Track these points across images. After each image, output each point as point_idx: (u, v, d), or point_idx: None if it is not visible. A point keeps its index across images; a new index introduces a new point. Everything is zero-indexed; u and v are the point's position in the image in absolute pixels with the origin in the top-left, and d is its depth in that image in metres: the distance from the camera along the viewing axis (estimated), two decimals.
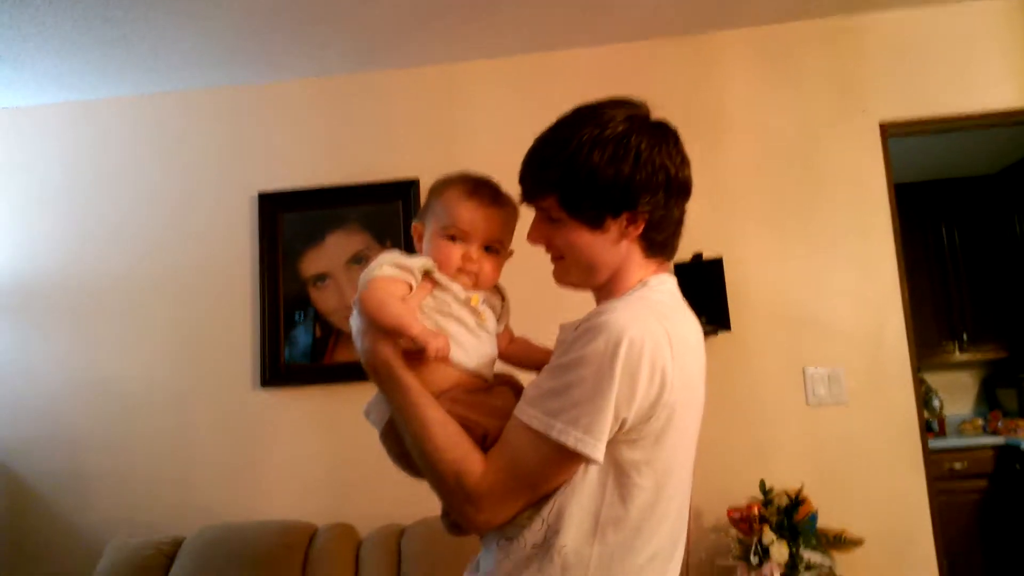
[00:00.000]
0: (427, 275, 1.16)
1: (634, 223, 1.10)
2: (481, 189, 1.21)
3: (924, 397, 5.01)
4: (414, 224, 1.27)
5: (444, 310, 1.15)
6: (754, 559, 2.23)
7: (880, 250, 2.68)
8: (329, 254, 2.93)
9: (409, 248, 2.93)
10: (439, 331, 1.12)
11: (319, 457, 2.83)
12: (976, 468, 4.55)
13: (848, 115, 2.75)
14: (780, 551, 2.20)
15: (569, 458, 1.01)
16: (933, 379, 5.07)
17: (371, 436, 2.83)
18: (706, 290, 2.55)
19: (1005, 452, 4.52)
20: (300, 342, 2.90)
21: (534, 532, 1.05)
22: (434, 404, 1.09)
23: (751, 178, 2.75)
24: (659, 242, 1.14)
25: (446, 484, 1.06)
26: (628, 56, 2.87)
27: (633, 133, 1.08)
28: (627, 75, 2.84)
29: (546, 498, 1.05)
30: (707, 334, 2.57)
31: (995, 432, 4.79)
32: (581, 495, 1.03)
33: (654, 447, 1.03)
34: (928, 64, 2.77)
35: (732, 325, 2.59)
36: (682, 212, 1.15)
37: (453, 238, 1.19)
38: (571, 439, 0.98)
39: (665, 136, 1.12)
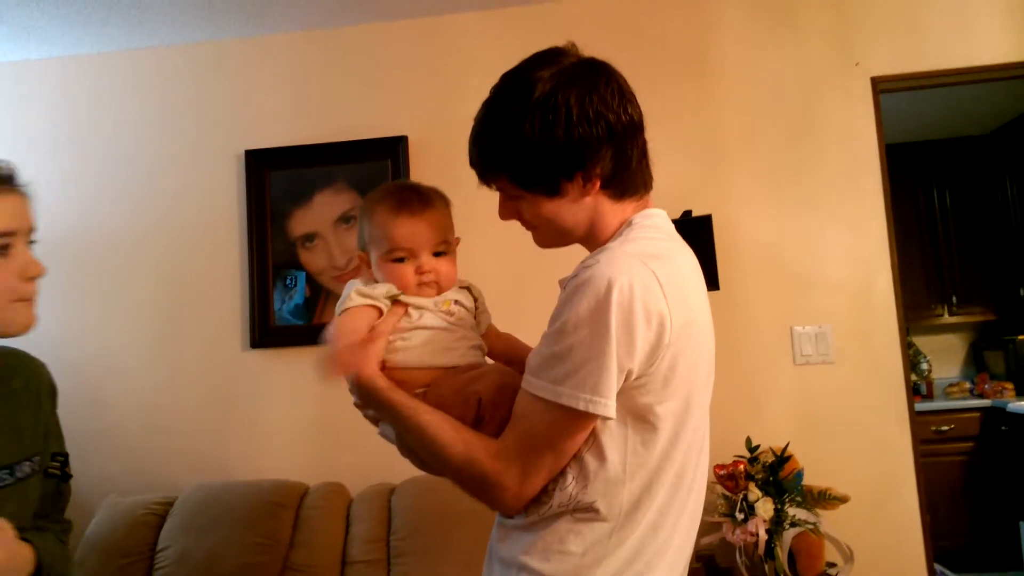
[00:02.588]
0: (395, 300, 1.18)
1: (590, 180, 1.07)
2: (407, 200, 1.20)
3: (912, 360, 5.06)
4: (358, 254, 1.27)
5: (423, 323, 1.17)
6: (739, 516, 2.25)
7: (870, 208, 2.67)
8: (317, 214, 2.91)
9: None
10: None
11: (310, 417, 2.83)
12: (962, 430, 4.60)
13: (841, 69, 2.72)
14: (765, 507, 2.22)
15: (583, 420, 1.01)
16: (921, 342, 5.11)
17: None
18: (695, 247, 2.51)
19: (991, 414, 4.57)
20: (290, 303, 2.89)
21: (563, 491, 1.05)
22: (427, 409, 1.09)
23: (742, 134, 2.73)
24: (625, 185, 1.11)
25: (467, 478, 1.06)
26: (623, 7, 2.83)
27: (559, 92, 1.04)
28: (621, 27, 2.81)
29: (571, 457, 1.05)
30: None
31: (982, 395, 4.84)
32: (606, 448, 1.03)
33: (664, 389, 1.03)
34: (922, 18, 2.73)
35: (720, 283, 2.59)
36: (640, 148, 1.12)
37: (400, 259, 1.19)
38: (581, 403, 0.98)
39: (596, 82, 1.06)
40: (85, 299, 2.93)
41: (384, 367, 1.14)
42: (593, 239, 1.14)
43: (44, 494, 1.34)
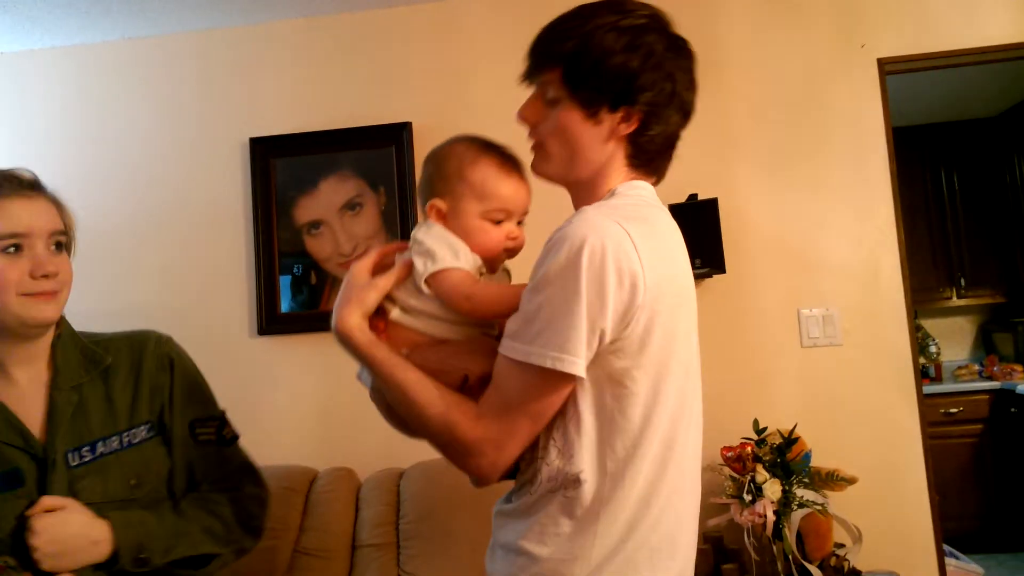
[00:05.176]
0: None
1: (627, 120, 1.08)
2: (510, 162, 1.18)
3: (921, 343, 5.05)
4: (432, 201, 1.18)
5: None
6: (747, 497, 2.26)
7: (877, 191, 2.67)
8: (322, 201, 2.91)
9: (403, 192, 2.88)
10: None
11: (319, 403, 2.85)
12: (972, 413, 4.61)
13: (846, 51, 2.71)
14: (773, 489, 2.22)
15: (554, 380, 1.00)
16: (930, 325, 5.10)
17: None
18: (701, 231, 2.53)
19: (1000, 396, 4.57)
20: (295, 290, 2.90)
21: (549, 465, 1.05)
22: (407, 366, 1.09)
23: (748, 118, 2.72)
24: (645, 152, 1.12)
25: (441, 440, 1.08)
26: None
27: (652, 31, 1.09)
28: None
29: (552, 428, 1.05)
30: (702, 276, 2.59)
31: (991, 377, 4.84)
32: (584, 415, 1.03)
33: (640, 353, 1.02)
34: None
35: (727, 267, 2.58)
36: (675, 133, 1.14)
37: (498, 221, 1.16)
38: (548, 360, 0.98)
39: (681, 50, 1.13)
40: (92, 287, 2.93)
41: (387, 321, 1.15)
42: (587, 189, 1.14)
43: (196, 460, 1.42)
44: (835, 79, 2.71)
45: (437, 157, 1.21)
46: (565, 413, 1.04)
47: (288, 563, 2.42)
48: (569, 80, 1.09)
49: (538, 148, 1.16)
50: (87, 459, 1.31)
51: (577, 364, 0.98)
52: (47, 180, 1.49)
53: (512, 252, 1.19)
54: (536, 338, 0.99)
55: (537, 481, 1.06)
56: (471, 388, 1.08)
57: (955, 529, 4.03)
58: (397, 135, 2.87)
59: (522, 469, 1.10)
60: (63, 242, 1.38)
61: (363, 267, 1.16)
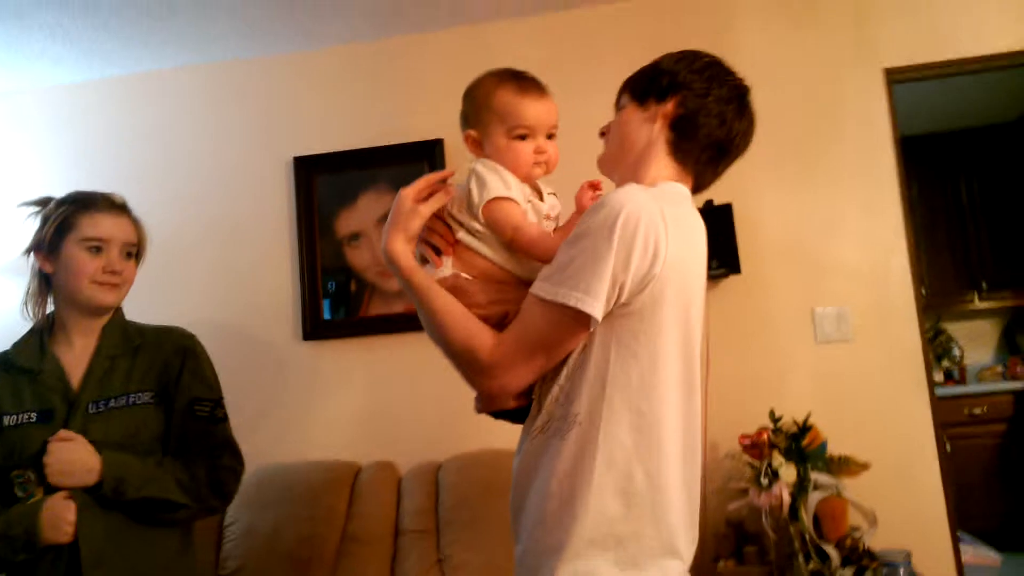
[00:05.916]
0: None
1: (667, 106, 1.29)
2: (528, 82, 1.32)
3: (944, 346, 5.12)
4: (467, 132, 1.34)
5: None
6: (764, 481, 2.39)
7: (885, 194, 2.80)
8: (362, 214, 3.11)
9: None
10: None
11: (360, 403, 3.03)
12: (995, 413, 4.66)
13: (855, 61, 2.85)
14: (788, 472, 2.36)
15: (572, 319, 1.13)
16: (953, 328, 5.16)
17: (407, 383, 3.02)
18: (717, 235, 2.68)
19: (1023, 397, 4.62)
20: (336, 300, 3.10)
21: (557, 407, 1.18)
22: (441, 292, 1.22)
23: (760, 125, 2.80)
24: (683, 142, 1.29)
25: (461, 359, 1.21)
26: (647, 7, 3.00)
27: (704, 58, 1.35)
28: (647, 27, 2.97)
29: (559, 373, 1.18)
30: (718, 277, 2.74)
31: (1014, 377, 4.89)
32: (590, 364, 1.16)
33: (650, 319, 1.15)
34: (936, 8, 2.85)
35: (743, 268, 2.73)
36: (714, 140, 1.31)
37: (523, 137, 1.29)
38: (572, 299, 1.11)
39: (727, 82, 1.34)
40: (149, 295, 3.13)
41: (457, 243, 1.28)
42: (632, 177, 1.29)
43: (187, 431, 1.78)
44: (845, 87, 2.86)
45: (468, 93, 1.37)
46: (573, 360, 1.18)
47: (336, 548, 2.60)
48: (631, 87, 1.35)
49: (605, 144, 1.39)
50: (100, 409, 1.69)
51: (597, 307, 1.11)
52: None
53: (545, 168, 1.32)
54: (565, 281, 1.12)
55: (540, 423, 1.20)
56: (506, 327, 1.20)
57: (978, 527, 4.09)
58: (430, 151, 3.07)
59: (531, 414, 1.23)
60: (132, 252, 1.82)
61: (409, 194, 1.27)
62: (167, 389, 1.78)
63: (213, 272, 3.18)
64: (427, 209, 1.27)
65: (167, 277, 3.16)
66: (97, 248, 1.73)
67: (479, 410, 1.32)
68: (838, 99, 2.86)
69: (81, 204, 1.76)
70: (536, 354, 1.17)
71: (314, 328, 3.09)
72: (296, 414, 3.07)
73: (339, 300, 3.10)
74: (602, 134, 1.40)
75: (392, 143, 3.10)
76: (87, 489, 1.60)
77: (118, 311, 1.84)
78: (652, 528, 1.16)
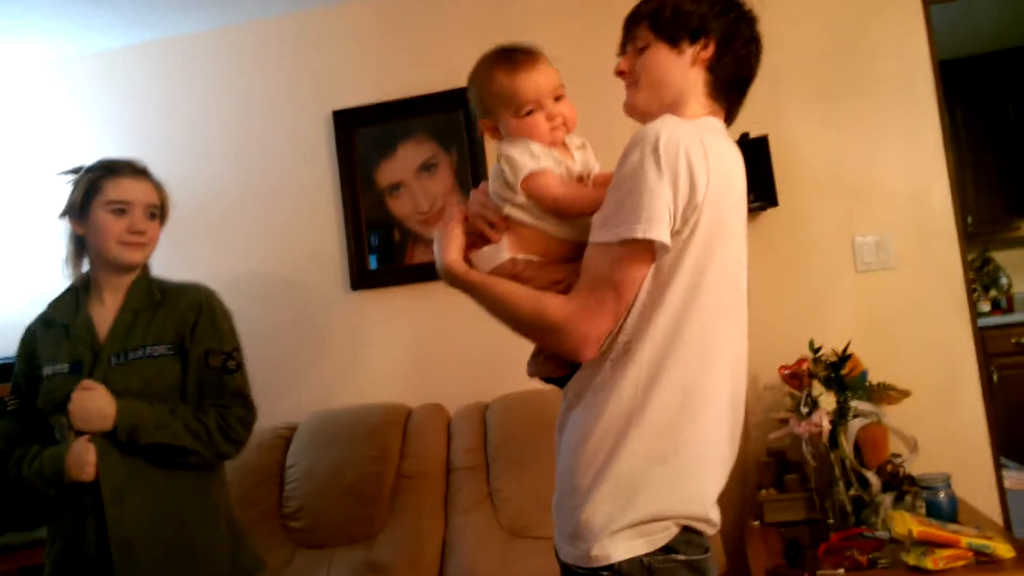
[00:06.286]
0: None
1: (705, 48, 1.30)
2: (517, 58, 1.33)
3: (992, 275, 5.05)
4: (481, 122, 1.40)
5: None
6: (804, 410, 2.43)
7: (925, 119, 2.76)
8: (401, 164, 3.17)
9: (473, 151, 3.08)
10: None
11: (408, 348, 3.14)
12: None
13: None
14: (828, 400, 2.39)
15: (640, 250, 1.16)
16: (1001, 256, 5.08)
17: (453, 326, 3.10)
18: (753, 168, 2.66)
19: None
20: (382, 249, 3.19)
21: (614, 348, 1.21)
22: (499, 281, 1.28)
23: (794, 55, 2.83)
24: (721, 80, 1.32)
25: (534, 328, 1.25)
26: None
27: None
28: None
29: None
30: (756, 210, 2.75)
31: None
32: (640, 297, 1.20)
33: (688, 243, 1.18)
34: None
35: (780, 201, 2.73)
36: (745, 72, 1.35)
37: (530, 112, 1.31)
38: (638, 232, 1.13)
39: (740, 6, 1.35)
40: (201, 258, 3.25)
41: (506, 220, 1.32)
42: (673, 111, 1.30)
43: (202, 381, 1.90)
44: (880, 12, 2.80)
45: (469, 84, 1.41)
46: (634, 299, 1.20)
47: (392, 485, 2.74)
48: (654, 27, 1.31)
49: (631, 86, 1.35)
50: (121, 361, 1.82)
51: (663, 231, 1.13)
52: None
53: (565, 128, 1.34)
54: (623, 221, 1.15)
55: (603, 359, 1.23)
56: None
57: None
58: (465, 100, 3.06)
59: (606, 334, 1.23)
60: (155, 213, 1.95)
61: (442, 226, 1.38)
62: (183, 341, 1.89)
63: (260, 228, 3.28)
64: (459, 209, 1.37)
65: (215, 234, 3.29)
66: (121, 210, 1.86)
67: (531, 374, 1.37)
68: (874, 24, 2.81)
69: (106, 170, 1.89)
70: (607, 297, 1.19)
71: (361, 278, 3.18)
72: (347, 362, 3.19)
73: (384, 253, 3.18)
74: (620, 73, 1.38)
75: (428, 92, 3.13)
76: (106, 434, 1.74)
77: (145, 269, 1.98)
78: (692, 446, 1.21)
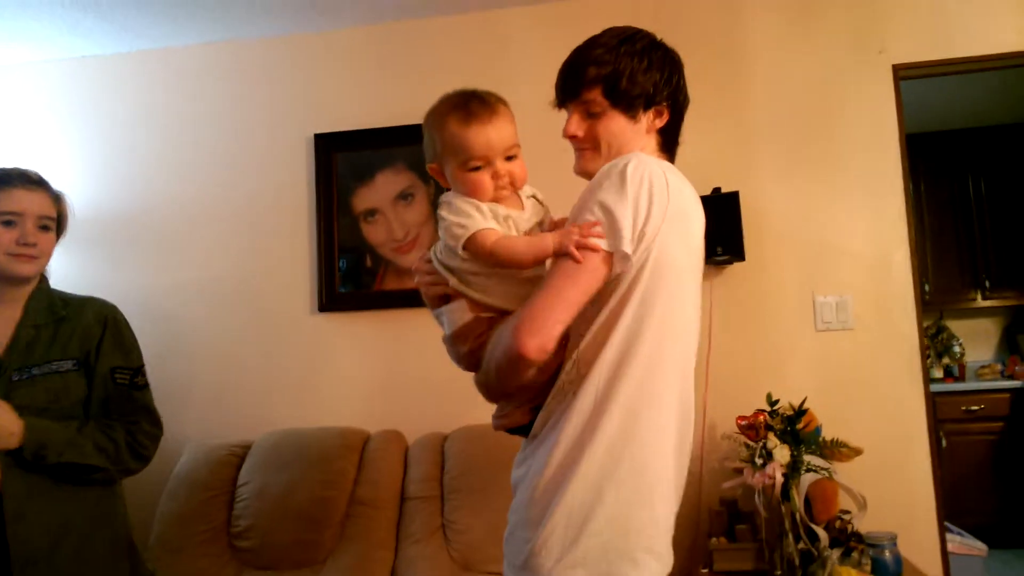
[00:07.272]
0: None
1: (660, 116, 1.37)
2: (474, 110, 1.28)
3: (945, 343, 5.18)
4: (429, 165, 1.35)
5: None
6: (759, 461, 2.47)
7: (889, 187, 2.86)
8: (378, 191, 3.20)
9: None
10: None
11: (371, 374, 3.13)
12: (992, 411, 4.73)
13: (865, 56, 2.91)
14: (782, 453, 2.43)
15: (600, 262, 1.20)
16: (955, 326, 5.22)
17: (417, 355, 3.10)
18: (723, 222, 2.75)
19: (1021, 396, 4.70)
20: (348, 277, 3.19)
21: (572, 374, 1.25)
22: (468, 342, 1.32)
23: (768, 117, 2.93)
24: (670, 139, 1.41)
25: (504, 368, 1.23)
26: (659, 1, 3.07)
27: (662, 49, 1.39)
28: (657, 18, 3.00)
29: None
30: (723, 263, 2.81)
31: (1012, 377, 4.95)
32: (596, 320, 1.24)
33: (642, 269, 1.22)
34: (947, 5, 2.90)
35: (747, 256, 2.80)
36: (681, 122, 1.43)
37: (477, 168, 1.27)
38: (601, 243, 1.19)
39: (676, 59, 1.42)
40: (170, 267, 3.25)
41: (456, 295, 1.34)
42: None
43: (108, 396, 1.89)
44: (852, 83, 2.92)
45: (424, 127, 1.36)
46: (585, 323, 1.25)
47: (344, 511, 2.71)
48: (610, 95, 1.33)
49: (587, 151, 1.37)
50: (24, 376, 1.78)
51: (625, 240, 1.18)
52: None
53: (511, 187, 1.31)
54: (584, 239, 1.20)
55: (563, 384, 1.26)
56: None
57: (972, 522, 4.15)
58: None
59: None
60: (49, 225, 1.88)
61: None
62: (88, 357, 1.87)
63: (231, 242, 3.27)
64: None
65: (189, 247, 3.27)
66: (10, 222, 1.80)
67: (496, 427, 1.40)
68: (846, 93, 2.92)
69: None
70: (561, 306, 1.20)
71: (329, 300, 3.18)
72: (308, 382, 3.17)
73: (352, 277, 3.18)
74: (572, 137, 1.38)
75: (410, 123, 3.14)
76: (10, 452, 1.70)
77: (43, 281, 1.93)
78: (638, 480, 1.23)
